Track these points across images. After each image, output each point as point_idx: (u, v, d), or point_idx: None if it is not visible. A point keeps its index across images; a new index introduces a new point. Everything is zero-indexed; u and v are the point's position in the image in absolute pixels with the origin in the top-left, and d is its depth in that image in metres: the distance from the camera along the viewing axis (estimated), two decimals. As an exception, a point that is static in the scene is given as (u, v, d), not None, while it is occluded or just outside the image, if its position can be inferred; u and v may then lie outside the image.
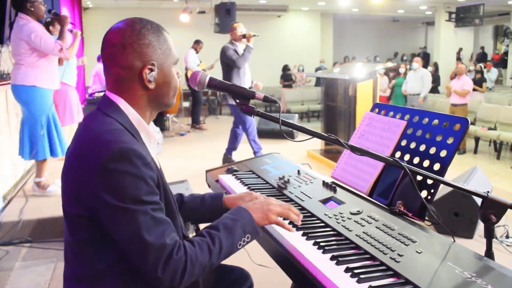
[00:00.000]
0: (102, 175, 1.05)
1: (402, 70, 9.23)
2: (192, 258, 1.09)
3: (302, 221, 1.40)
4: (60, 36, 3.58)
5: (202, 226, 1.81)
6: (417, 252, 1.15)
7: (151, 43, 1.17)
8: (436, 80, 10.65)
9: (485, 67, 12.53)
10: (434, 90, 10.40)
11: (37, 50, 3.47)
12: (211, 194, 1.58)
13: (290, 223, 1.37)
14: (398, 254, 1.14)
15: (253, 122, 5.14)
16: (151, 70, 1.17)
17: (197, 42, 8.45)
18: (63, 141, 3.79)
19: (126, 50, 1.15)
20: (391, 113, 1.71)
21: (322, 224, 1.40)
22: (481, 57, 16.21)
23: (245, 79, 5.15)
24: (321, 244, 1.25)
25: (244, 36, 5.11)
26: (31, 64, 3.50)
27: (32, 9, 3.47)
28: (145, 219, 1.06)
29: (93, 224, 1.10)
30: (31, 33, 3.40)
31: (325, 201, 1.57)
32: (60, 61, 4.09)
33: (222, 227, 1.18)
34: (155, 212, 1.08)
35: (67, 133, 4.64)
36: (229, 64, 5.06)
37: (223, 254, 1.16)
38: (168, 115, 8.18)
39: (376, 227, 1.31)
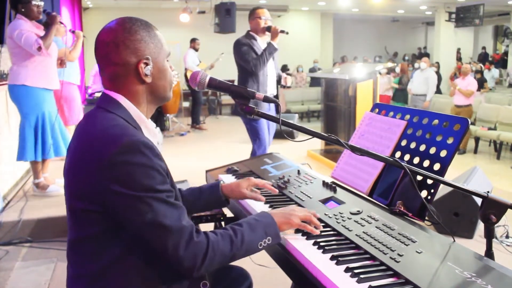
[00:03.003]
0: (114, 168, 1.07)
1: (397, 69, 9.21)
2: (214, 244, 1.12)
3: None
4: (45, 35, 3.44)
5: (202, 226, 1.82)
6: (417, 252, 1.15)
7: (143, 38, 1.20)
8: (438, 80, 10.65)
9: (485, 68, 12.55)
10: (436, 90, 10.40)
11: (24, 49, 3.41)
12: (208, 184, 1.61)
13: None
14: (398, 254, 1.14)
15: (264, 141, 3.91)
16: (146, 64, 1.20)
17: (194, 40, 8.45)
18: (66, 140, 3.78)
19: (119, 48, 1.17)
20: (391, 113, 1.71)
21: (322, 224, 1.39)
22: (483, 57, 16.20)
23: (266, 85, 3.84)
24: (321, 244, 1.25)
25: (268, 30, 3.82)
26: (20, 63, 3.47)
27: (23, 10, 3.43)
28: (161, 206, 1.09)
29: (100, 218, 1.12)
30: (15, 30, 3.35)
31: (325, 201, 1.57)
32: (63, 63, 4.06)
33: (245, 224, 1.22)
34: (169, 199, 1.11)
35: (71, 133, 4.63)
36: (238, 62, 3.86)
37: (244, 248, 1.18)
38: (168, 115, 8.18)
39: (376, 227, 1.31)
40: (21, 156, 3.61)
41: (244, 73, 3.83)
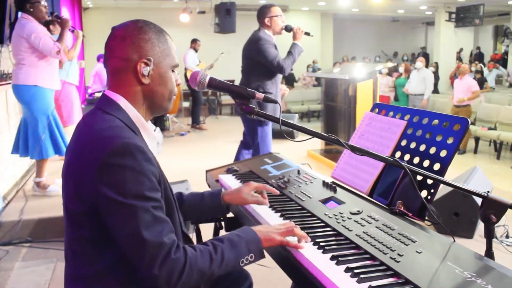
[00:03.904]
0: (104, 170, 1.06)
1: (401, 69, 9.18)
2: (192, 261, 1.09)
3: (302, 221, 1.41)
4: (59, 39, 3.60)
5: (202, 226, 1.82)
6: (417, 252, 1.15)
7: (151, 39, 1.21)
8: (436, 80, 10.66)
9: (489, 67, 12.56)
10: (434, 90, 10.41)
11: (37, 50, 3.49)
12: (210, 191, 1.60)
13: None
14: (398, 254, 1.14)
15: (269, 145, 3.64)
16: (147, 64, 1.19)
17: (194, 41, 8.45)
18: (65, 140, 3.79)
19: (125, 42, 1.19)
20: (391, 113, 1.71)
21: (322, 224, 1.39)
22: (478, 57, 16.21)
23: (279, 87, 3.65)
24: (321, 244, 1.25)
25: (288, 29, 3.52)
26: (32, 64, 3.52)
27: (32, 10, 3.48)
28: (145, 216, 1.06)
29: (94, 221, 1.11)
30: (32, 33, 3.42)
31: (325, 201, 1.57)
32: (61, 63, 4.08)
33: (226, 240, 1.19)
34: (155, 210, 1.09)
35: (70, 133, 4.64)
36: (259, 62, 3.46)
37: (224, 265, 1.15)
38: (168, 115, 8.18)
39: (376, 227, 1.31)
40: (39, 155, 3.65)
41: (261, 75, 3.47)
